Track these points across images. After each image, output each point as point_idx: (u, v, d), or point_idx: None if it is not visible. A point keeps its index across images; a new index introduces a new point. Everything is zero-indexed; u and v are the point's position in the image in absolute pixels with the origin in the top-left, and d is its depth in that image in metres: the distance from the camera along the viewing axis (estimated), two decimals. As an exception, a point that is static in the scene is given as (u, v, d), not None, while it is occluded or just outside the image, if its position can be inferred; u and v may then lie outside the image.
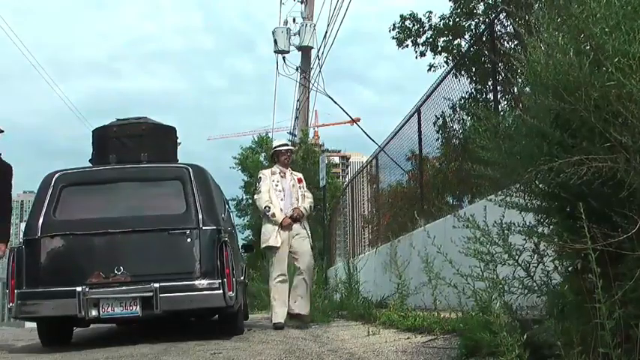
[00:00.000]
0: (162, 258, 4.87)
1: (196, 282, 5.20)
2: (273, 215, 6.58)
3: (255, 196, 6.85)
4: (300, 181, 6.90)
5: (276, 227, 6.55)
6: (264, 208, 6.58)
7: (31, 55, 75.95)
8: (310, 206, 6.88)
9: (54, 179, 5.66)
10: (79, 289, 5.02)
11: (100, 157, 6.18)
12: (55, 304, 5.17)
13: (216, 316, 6.21)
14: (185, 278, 5.25)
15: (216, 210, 5.62)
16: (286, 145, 7.25)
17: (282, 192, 6.67)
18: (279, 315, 6.48)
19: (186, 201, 5.50)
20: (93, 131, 6.48)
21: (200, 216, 5.43)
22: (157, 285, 5.01)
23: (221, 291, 5.25)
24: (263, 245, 6.64)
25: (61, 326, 5.84)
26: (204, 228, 5.42)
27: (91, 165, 6.30)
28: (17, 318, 5.60)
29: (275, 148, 7.11)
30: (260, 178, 6.87)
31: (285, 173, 6.79)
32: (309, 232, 6.79)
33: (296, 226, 6.62)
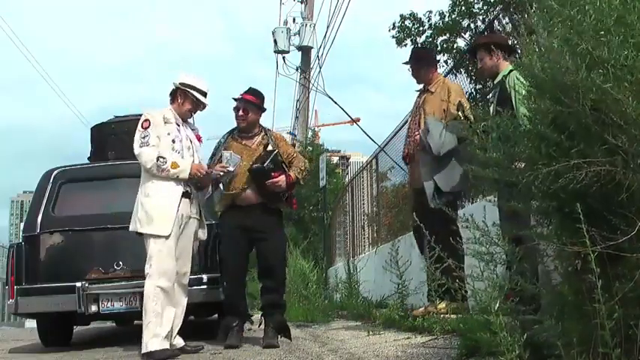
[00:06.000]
0: None
1: (197, 277, 5.11)
2: (175, 166, 4.26)
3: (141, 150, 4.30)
4: (200, 138, 4.68)
5: (174, 198, 4.26)
6: (157, 160, 4.24)
7: (38, 64, 76.06)
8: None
9: (53, 176, 5.68)
10: (78, 284, 5.04)
11: (99, 154, 6.21)
12: (54, 300, 5.18)
13: (215, 315, 6.25)
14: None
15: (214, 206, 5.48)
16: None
17: (181, 149, 4.38)
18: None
19: None
20: (91, 128, 6.53)
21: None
22: None
23: (222, 286, 5.14)
24: (149, 231, 4.24)
25: (61, 325, 5.89)
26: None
27: (89, 162, 6.31)
28: (17, 314, 5.64)
29: (190, 85, 4.47)
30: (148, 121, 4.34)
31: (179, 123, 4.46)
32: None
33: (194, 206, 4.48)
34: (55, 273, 5.30)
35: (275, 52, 17.92)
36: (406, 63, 5.19)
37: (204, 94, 4.52)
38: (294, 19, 18.78)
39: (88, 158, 6.54)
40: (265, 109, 4.89)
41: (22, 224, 5.90)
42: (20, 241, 5.59)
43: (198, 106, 4.51)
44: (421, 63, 5.06)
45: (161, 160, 4.23)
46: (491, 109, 3.90)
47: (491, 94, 4.69)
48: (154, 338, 4.04)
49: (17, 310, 5.39)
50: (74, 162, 6.26)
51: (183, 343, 4.43)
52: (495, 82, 4.26)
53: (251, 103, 4.73)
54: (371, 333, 4.78)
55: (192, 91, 4.44)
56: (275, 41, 17.97)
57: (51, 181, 5.66)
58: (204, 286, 5.25)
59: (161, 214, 4.22)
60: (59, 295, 5.15)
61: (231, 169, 4.55)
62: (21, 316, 5.95)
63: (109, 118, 6.59)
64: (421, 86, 5.10)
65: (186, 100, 4.46)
